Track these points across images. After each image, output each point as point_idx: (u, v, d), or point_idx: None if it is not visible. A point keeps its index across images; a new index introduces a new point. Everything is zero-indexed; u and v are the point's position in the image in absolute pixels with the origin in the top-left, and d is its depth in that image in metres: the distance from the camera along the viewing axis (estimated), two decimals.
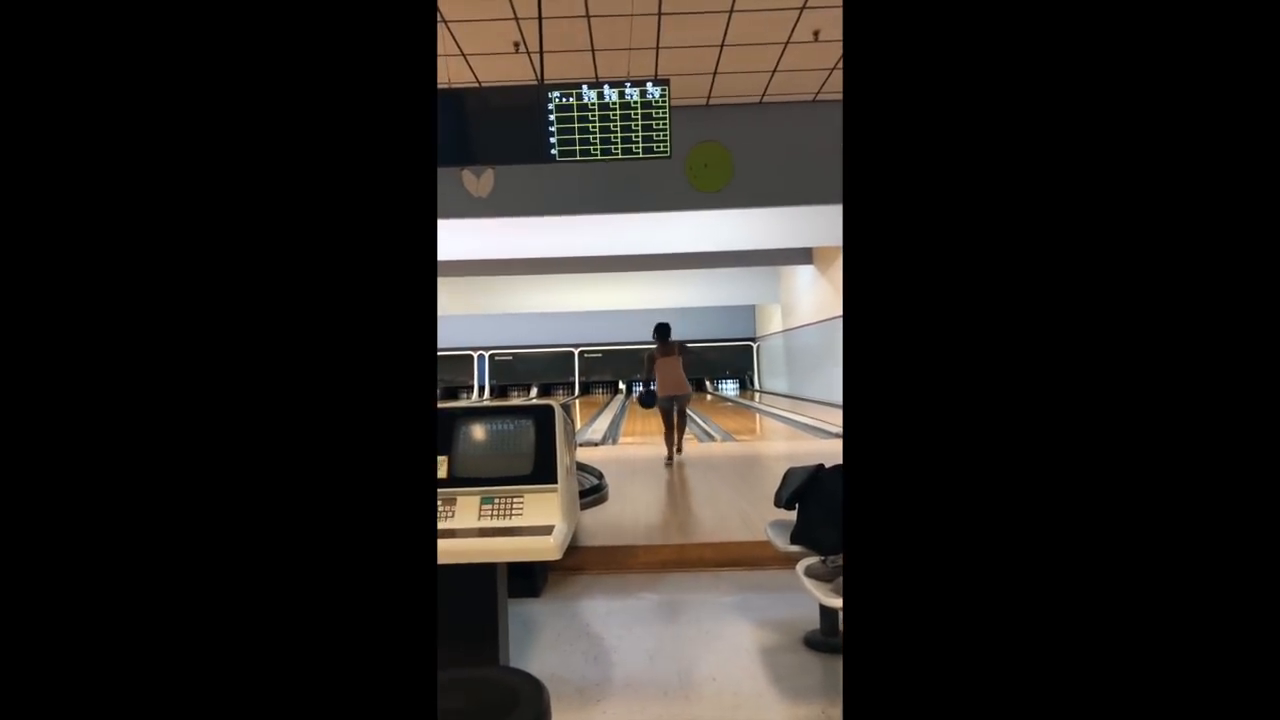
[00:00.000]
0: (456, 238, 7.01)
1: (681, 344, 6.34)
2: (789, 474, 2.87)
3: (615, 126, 3.45)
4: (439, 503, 2.14)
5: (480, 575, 2.21)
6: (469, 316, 16.71)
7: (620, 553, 3.68)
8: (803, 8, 4.26)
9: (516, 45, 4.60)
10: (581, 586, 3.40)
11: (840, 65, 4.80)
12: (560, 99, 3.44)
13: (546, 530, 2.05)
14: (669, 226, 7.13)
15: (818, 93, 5.52)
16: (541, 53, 3.83)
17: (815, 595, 2.26)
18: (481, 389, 19.06)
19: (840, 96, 0.90)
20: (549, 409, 2.29)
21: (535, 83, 3.79)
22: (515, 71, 4.93)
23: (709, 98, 5.52)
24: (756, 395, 17.24)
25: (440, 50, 4.55)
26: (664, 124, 3.46)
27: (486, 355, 19.34)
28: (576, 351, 19.42)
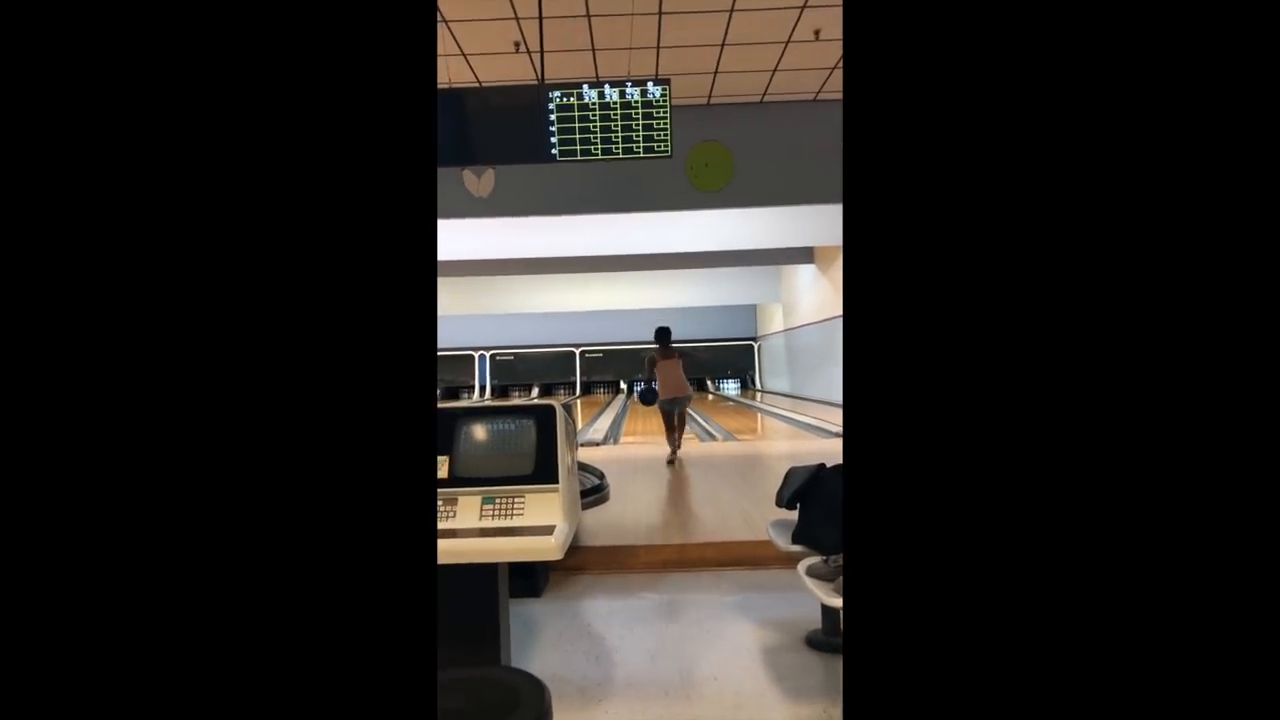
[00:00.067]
0: (457, 238, 7.01)
1: (681, 349, 6.40)
2: (790, 473, 2.87)
3: (616, 126, 3.45)
4: (440, 503, 2.14)
5: (481, 575, 2.21)
6: (470, 316, 16.72)
7: (622, 552, 3.69)
8: (803, 7, 4.25)
9: (517, 45, 4.60)
10: (583, 586, 3.40)
11: (841, 64, 4.79)
12: (561, 99, 3.43)
13: (548, 530, 2.05)
14: (670, 226, 7.13)
15: (818, 92, 5.52)
16: (542, 52, 3.83)
17: (817, 595, 2.25)
18: (483, 389, 19.07)
19: (841, 96, 0.90)
20: (550, 409, 2.29)
21: (536, 82, 3.79)
22: (516, 71, 4.93)
23: (710, 97, 5.52)
24: (758, 395, 17.24)
25: (440, 50, 4.55)
26: (665, 123, 3.46)
27: (487, 355, 19.35)
28: (578, 351, 19.42)
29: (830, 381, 11.75)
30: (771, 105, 5.65)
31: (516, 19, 4.26)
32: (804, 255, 12.45)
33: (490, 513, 2.13)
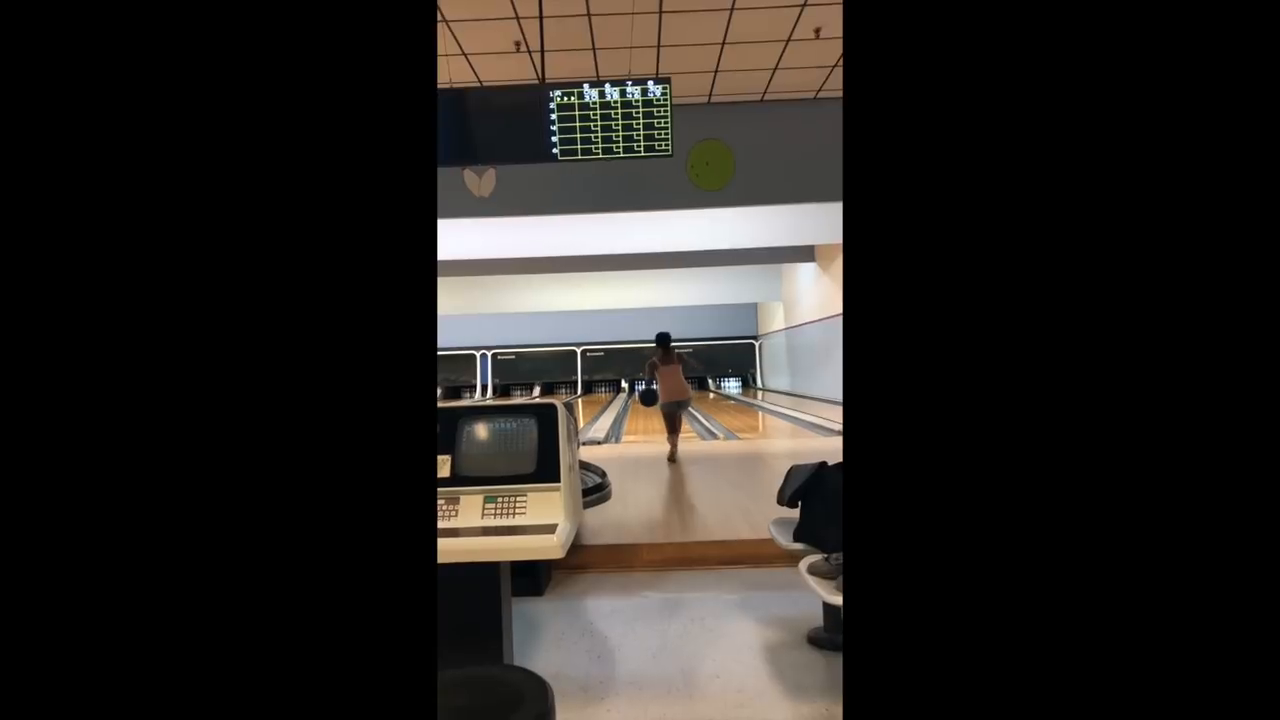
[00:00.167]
0: (459, 237, 7.02)
1: (680, 354, 6.58)
2: (792, 472, 2.87)
3: (617, 125, 3.45)
4: (442, 502, 2.15)
5: (484, 574, 2.21)
6: (472, 316, 16.73)
7: (623, 551, 3.69)
8: (804, 5, 4.25)
9: (518, 44, 4.60)
10: (585, 585, 3.40)
11: (841, 63, 4.79)
12: (561, 98, 3.43)
13: (550, 529, 2.05)
14: (671, 225, 7.13)
15: (819, 90, 5.51)
16: (543, 52, 3.83)
17: (818, 593, 2.25)
18: (484, 388, 19.08)
19: (842, 94, 0.90)
20: (552, 408, 2.29)
21: (536, 82, 3.79)
22: (516, 71, 4.93)
23: (710, 96, 5.52)
24: (759, 393, 17.23)
25: (441, 50, 4.55)
26: (665, 122, 3.46)
27: (489, 354, 19.36)
28: (579, 350, 19.42)
29: (831, 380, 11.74)
30: (772, 104, 5.64)
31: (517, 18, 4.26)
32: (805, 254, 12.44)
33: (492, 511, 2.14)
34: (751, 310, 19.40)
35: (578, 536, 3.34)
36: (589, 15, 4.25)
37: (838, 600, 2.17)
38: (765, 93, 5.51)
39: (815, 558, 2.47)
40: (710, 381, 18.83)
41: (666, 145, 3.48)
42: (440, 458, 2.20)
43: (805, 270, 13.45)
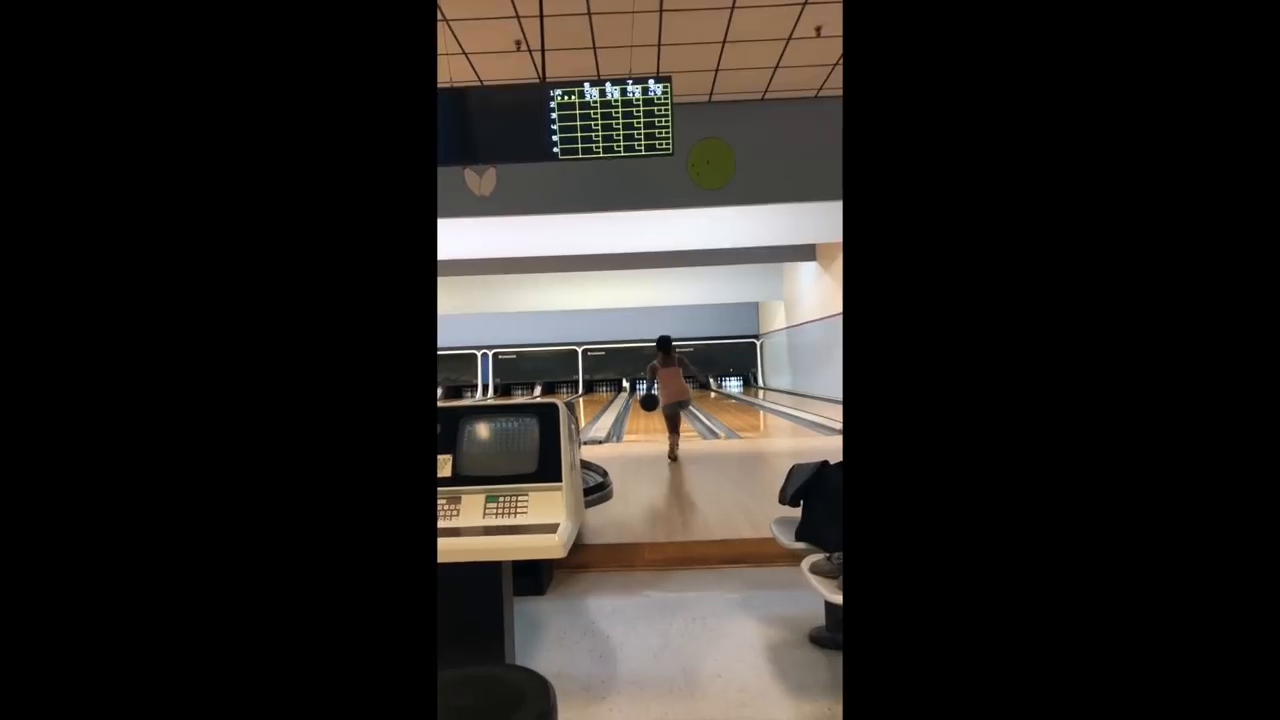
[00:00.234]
0: (459, 237, 7.02)
1: (680, 356, 6.69)
2: (794, 471, 2.87)
3: (617, 124, 3.44)
4: (444, 501, 2.15)
5: (485, 573, 2.21)
6: (472, 316, 16.74)
7: (625, 550, 3.69)
8: (804, 3, 4.24)
9: (518, 43, 4.60)
10: (586, 584, 3.40)
11: (842, 61, 4.78)
12: (562, 97, 3.43)
13: (551, 528, 2.05)
14: (671, 224, 7.13)
15: (820, 89, 5.50)
16: (543, 50, 3.83)
17: (820, 592, 2.25)
18: (485, 388, 19.08)
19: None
20: (553, 407, 2.29)
21: (537, 81, 3.79)
22: (517, 70, 4.93)
23: (711, 94, 5.51)
24: (760, 392, 17.23)
25: (442, 49, 4.54)
26: (666, 121, 3.45)
27: (490, 354, 19.37)
28: (580, 350, 19.42)
29: (833, 379, 11.74)
30: (773, 102, 5.64)
31: (517, 17, 4.26)
32: (806, 252, 12.43)
33: (494, 511, 2.13)
34: (753, 309, 19.39)
35: (579, 536, 3.33)
36: (589, 14, 4.25)
37: (839, 599, 2.17)
38: (766, 91, 5.51)
39: (817, 557, 2.47)
40: (711, 381, 18.83)
41: (667, 144, 3.48)
42: (442, 457, 2.19)
43: (806, 269, 13.44)
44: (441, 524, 2.10)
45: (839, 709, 2.17)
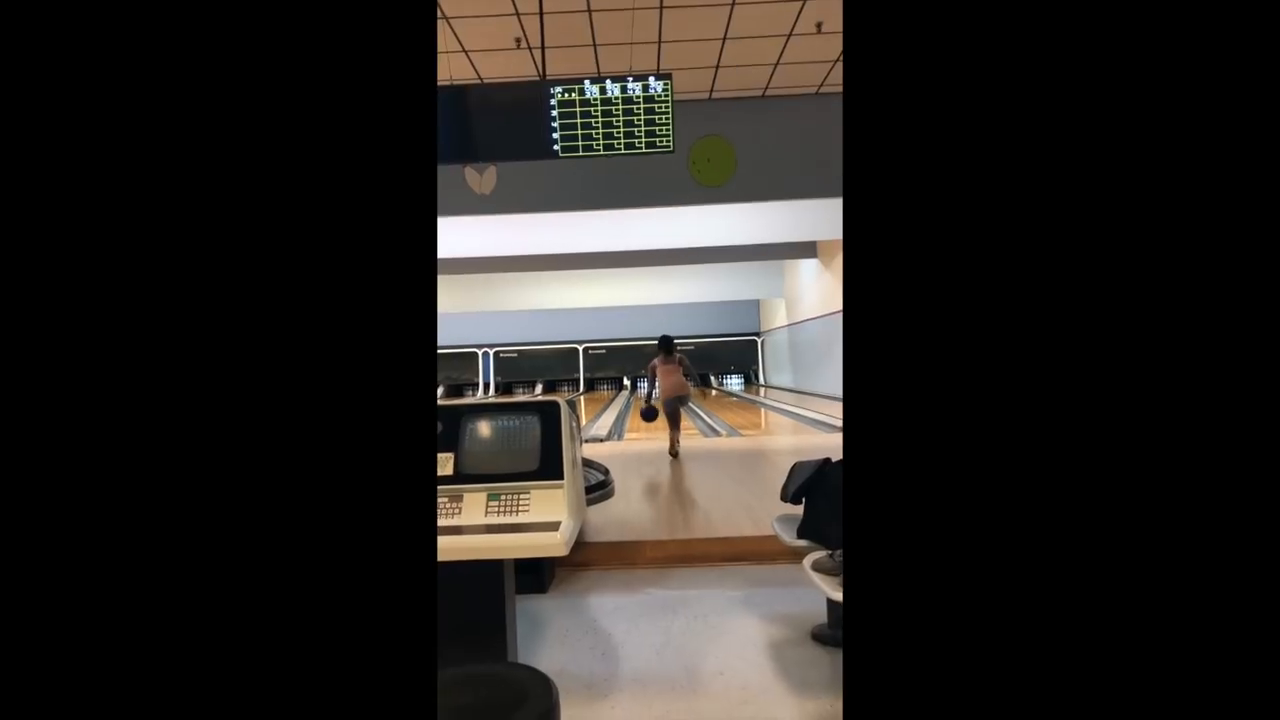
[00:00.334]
0: (460, 235, 7.01)
1: (681, 356, 6.77)
2: (795, 468, 2.86)
3: (618, 121, 3.44)
4: (446, 499, 2.15)
5: (487, 571, 2.21)
6: (474, 314, 16.75)
7: (627, 548, 3.69)
8: (805, 0, 4.23)
9: (518, 41, 4.59)
10: (588, 582, 3.40)
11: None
12: (562, 94, 3.42)
13: (553, 526, 2.05)
14: (672, 221, 7.12)
15: (820, 85, 5.49)
16: (543, 48, 3.82)
17: (822, 589, 2.25)
18: (486, 386, 19.09)
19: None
20: (554, 405, 2.29)
21: (537, 78, 3.78)
22: (517, 67, 4.92)
23: (711, 91, 5.50)
24: (761, 390, 17.22)
25: (441, 47, 4.54)
26: (666, 118, 3.45)
27: (491, 352, 19.37)
28: (581, 348, 19.43)
29: (834, 376, 11.73)
30: (774, 99, 5.63)
31: (517, 14, 4.25)
32: (807, 250, 12.42)
33: (495, 509, 2.13)
34: (754, 307, 19.39)
35: (581, 534, 3.33)
36: (589, 11, 4.24)
37: (841, 596, 2.17)
38: (767, 88, 5.50)
39: (819, 554, 2.47)
40: (713, 379, 18.82)
41: (668, 141, 3.47)
42: (443, 456, 2.19)
43: (807, 266, 13.43)
44: (443, 522, 2.10)
45: (841, 706, 2.16)
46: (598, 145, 3.44)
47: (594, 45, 4.68)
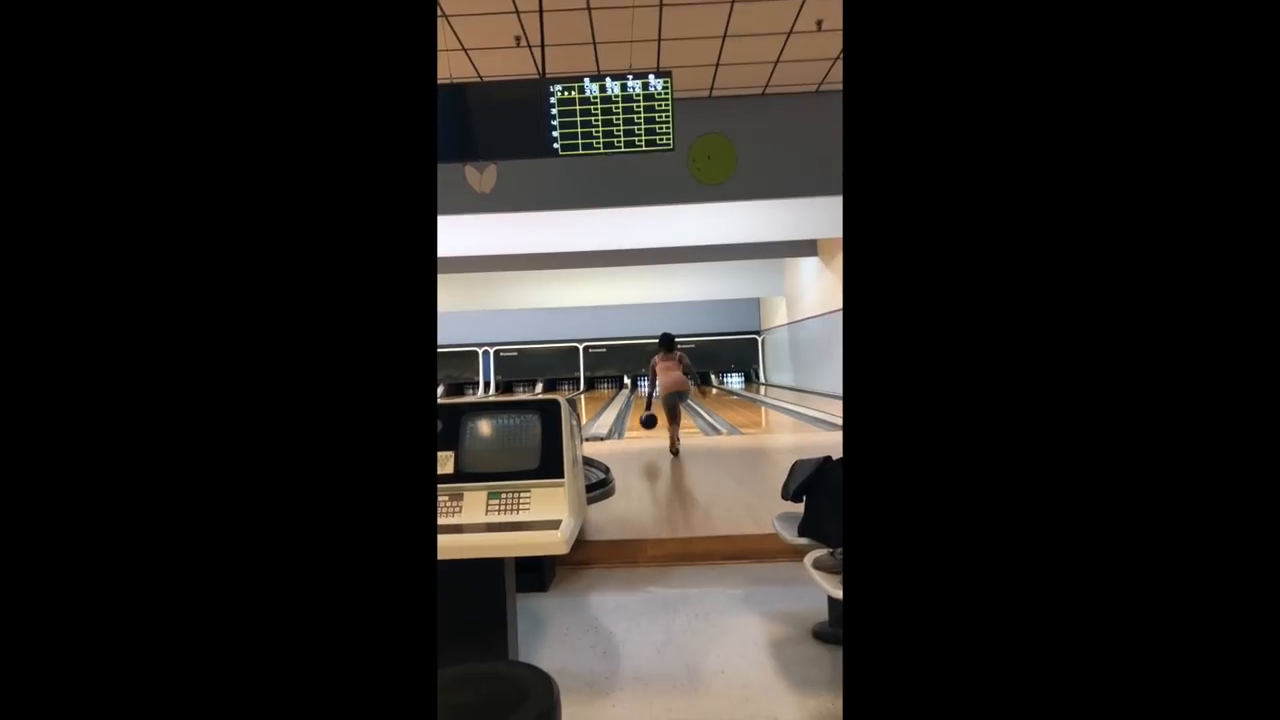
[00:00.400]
0: (460, 234, 7.00)
1: (681, 354, 6.81)
2: (796, 466, 2.86)
3: (618, 119, 3.43)
4: (446, 498, 2.15)
5: (488, 570, 2.21)
6: (474, 313, 16.74)
7: (627, 547, 3.69)
8: None
9: (518, 39, 4.59)
10: (589, 581, 3.40)
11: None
12: (562, 92, 3.42)
13: (554, 525, 2.05)
14: (672, 220, 7.11)
15: (821, 83, 5.49)
16: (543, 46, 3.82)
17: (823, 587, 2.25)
18: (487, 385, 19.10)
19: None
20: (555, 404, 2.29)
21: (537, 76, 3.78)
22: (517, 65, 4.91)
23: (711, 89, 5.50)
24: (762, 388, 17.22)
25: (441, 45, 4.53)
26: (666, 116, 3.44)
27: (491, 351, 19.37)
28: (581, 347, 19.42)
29: (834, 375, 11.73)
30: (774, 97, 5.62)
31: (517, 13, 4.25)
32: (807, 248, 12.41)
33: (496, 508, 2.13)
34: (754, 305, 19.38)
35: (581, 532, 3.34)
36: (589, 9, 4.23)
37: (842, 594, 2.17)
38: (767, 86, 5.49)
39: (820, 552, 2.47)
40: (713, 378, 18.82)
41: (668, 139, 3.47)
42: (444, 454, 2.19)
43: (808, 264, 13.42)
44: (444, 521, 2.10)
45: (841, 704, 2.17)
46: (598, 143, 3.44)
47: (594, 43, 4.68)
